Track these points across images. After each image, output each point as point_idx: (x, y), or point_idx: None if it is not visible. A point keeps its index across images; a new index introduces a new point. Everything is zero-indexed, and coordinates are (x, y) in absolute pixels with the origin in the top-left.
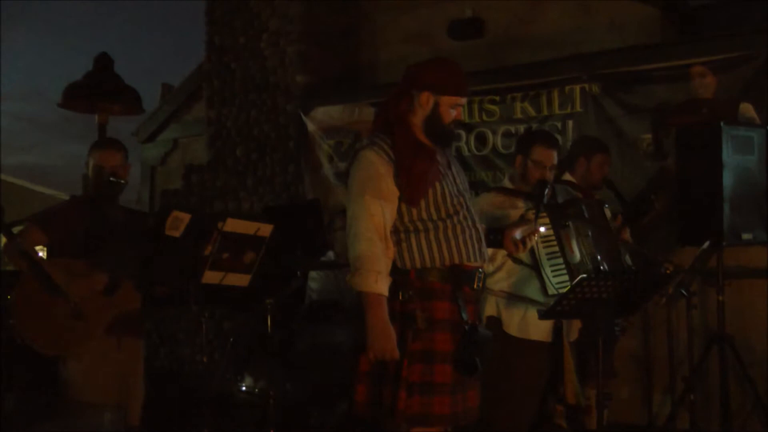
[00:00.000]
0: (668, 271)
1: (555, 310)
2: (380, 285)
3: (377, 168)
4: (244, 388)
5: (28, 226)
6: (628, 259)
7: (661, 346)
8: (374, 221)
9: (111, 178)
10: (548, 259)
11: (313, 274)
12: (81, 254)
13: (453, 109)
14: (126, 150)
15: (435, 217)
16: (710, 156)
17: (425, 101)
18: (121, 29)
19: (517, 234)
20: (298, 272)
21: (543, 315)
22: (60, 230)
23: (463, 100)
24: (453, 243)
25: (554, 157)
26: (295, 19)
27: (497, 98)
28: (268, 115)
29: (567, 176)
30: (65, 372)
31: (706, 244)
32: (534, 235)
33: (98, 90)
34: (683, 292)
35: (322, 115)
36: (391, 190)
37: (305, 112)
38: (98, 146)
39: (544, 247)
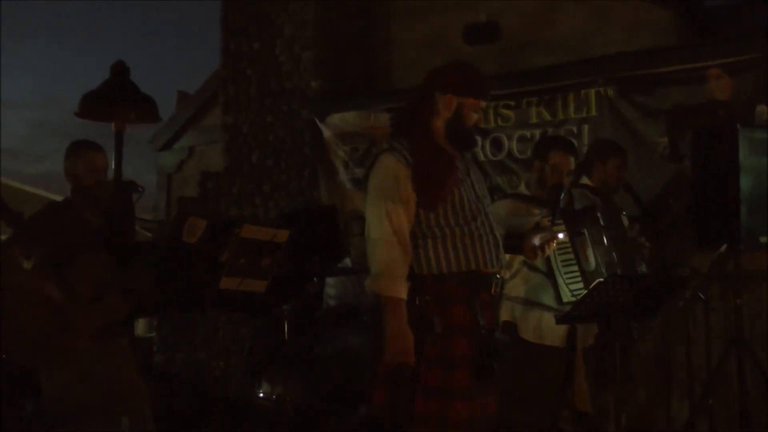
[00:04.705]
0: (685, 275)
1: (572, 315)
2: (399, 289)
3: (396, 172)
4: (261, 394)
5: (14, 241)
6: (643, 267)
7: (679, 351)
8: (393, 225)
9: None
10: (563, 267)
11: (330, 280)
12: (65, 262)
13: (475, 112)
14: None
15: (453, 222)
16: (727, 158)
17: (449, 103)
18: (138, 38)
19: (536, 240)
20: (315, 278)
21: (560, 319)
22: (44, 239)
23: (484, 103)
24: (470, 249)
25: (572, 162)
26: (310, 25)
27: (512, 103)
28: (283, 120)
29: (585, 180)
30: (52, 380)
31: (724, 247)
32: (553, 242)
33: (115, 98)
34: (701, 295)
35: (338, 121)
36: (410, 194)
37: (320, 117)
38: (87, 148)
39: (560, 255)
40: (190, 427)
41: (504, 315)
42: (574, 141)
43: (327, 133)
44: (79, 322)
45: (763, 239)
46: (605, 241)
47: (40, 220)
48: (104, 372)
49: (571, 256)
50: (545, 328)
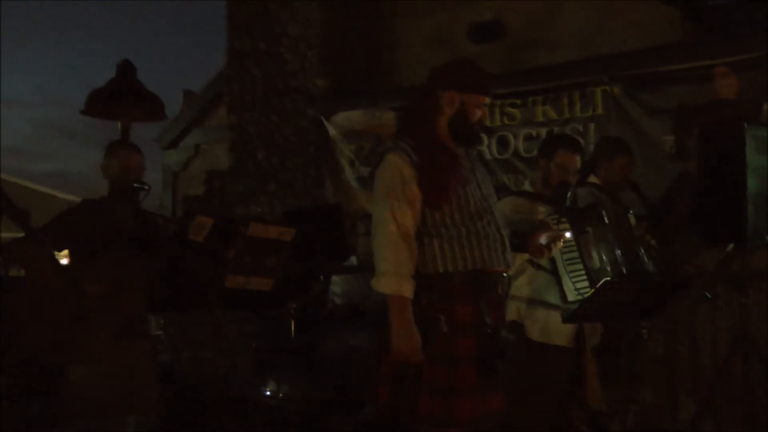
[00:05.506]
0: (691, 274)
1: (578, 314)
2: (405, 288)
3: (401, 171)
4: (267, 393)
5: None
6: (650, 265)
7: (685, 350)
8: (399, 224)
9: (136, 184)
10: (568, 265)
11: (335, 278)
12: (88, 257)
13: (479, 108)
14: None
15: (458, 222)
16: (733, 157)
17: (451, 100)
18: (143, 37)
19: (542, 239)
20: (321, 276)
21: (566, 319)
22: (68, 235)
23: (488, 100)
24: (476, 248)
25: (577, 161)
26: (315, 24)
27: (518, 101)
28: (289, 119)
29: (592, 178)
30: (70, 376)
31: (730, 246)
32: (559, 241)
33: (121, 97)
34: (707, 294)
35: (343, 120)
36: (415, 194)
37: (326, 116)
38: (122, 147)
39: (564, 253)
40: (195, 426)
41: (510, 315)
42: (580, 139)
43: (333, 131)
44: (97, 317)
45: None
46: (610, 239)
47: (70, 216)
48: (121, 370)
49: (576, 254)
50: (552, 328)
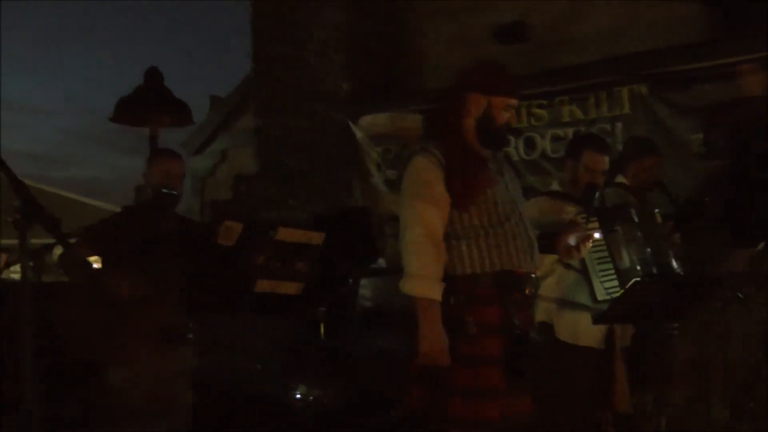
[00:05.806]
0: (721, 275)
1: (608, 315)
2: (432, 290)
3: (428, 173)
4: (298, 396)
5: (76, 241)
6: (676, 264)
7: (716, 351)
8: (426, 227)
9: (164, 190)
10: (597, 264)
11: (363, 281)
12: (129, 264)
13: (505, 110)
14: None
15: (486, 223)
16: (763, 155)
17: (477, 103)
18: (170, 43)
19: (572, 240)
20: (350, 279)
21: (597, 320)
22: (108, 242)
23: (515, 102)
24: (504, 249)
25: (605, 161)
26: (340, 28)
27: (545, 102)
28: (315, 123)
29: (620, 179)
30: (109, 379)
31: (761, 245)
32: (588, 241)
33: (149, 103)
34: (738, 295)
35: (369, 123)
36: (443, 196)
37: (352, 120)
38: (161, 155)
39: (593, 252)
40: (225, 429)
41: (539, 315)
42: (608, 139)
43: (359, 135)
44: (136, 321)
45: None
46: (639, 238)
47: (108, 223)
48: (158, 373)
49: (605, 253)
50: (581, 329)
